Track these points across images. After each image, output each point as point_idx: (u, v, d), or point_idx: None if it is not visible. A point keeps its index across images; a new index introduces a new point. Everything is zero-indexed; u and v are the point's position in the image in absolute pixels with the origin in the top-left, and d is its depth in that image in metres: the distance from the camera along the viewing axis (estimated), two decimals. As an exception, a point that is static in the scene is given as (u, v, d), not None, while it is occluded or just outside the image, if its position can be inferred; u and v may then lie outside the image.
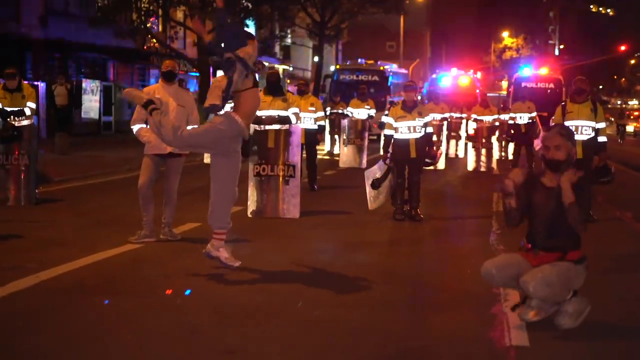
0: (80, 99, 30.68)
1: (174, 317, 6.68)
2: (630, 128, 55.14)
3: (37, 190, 13.25)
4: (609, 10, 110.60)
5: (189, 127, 9.09)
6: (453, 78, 41.06)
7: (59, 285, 7.61)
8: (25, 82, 14.49)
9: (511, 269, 6.48)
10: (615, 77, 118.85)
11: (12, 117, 13.09)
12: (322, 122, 16.23)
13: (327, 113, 27.50)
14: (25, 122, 13.05)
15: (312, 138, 15.57)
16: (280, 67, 51.24)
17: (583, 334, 6.35)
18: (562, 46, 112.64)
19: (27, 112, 13.15)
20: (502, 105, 26.23)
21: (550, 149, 6.48)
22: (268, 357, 5.76)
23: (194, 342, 6.03)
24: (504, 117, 23.48)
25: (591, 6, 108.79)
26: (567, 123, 12.43)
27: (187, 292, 7.32)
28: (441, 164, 21.10)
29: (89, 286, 7.61)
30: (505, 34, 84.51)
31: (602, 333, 6.48)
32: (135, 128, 10.28)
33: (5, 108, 13.14)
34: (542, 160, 6.60)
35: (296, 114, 13.63)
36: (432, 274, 8.71)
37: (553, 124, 6.55)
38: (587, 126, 12.42)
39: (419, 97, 37.24)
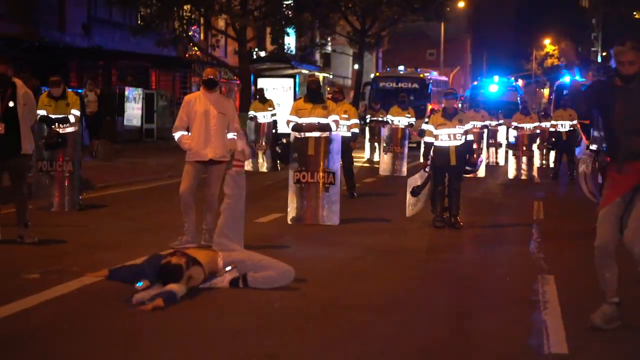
0: (122, 106, 31.05)
1: (215, 321, 6.78)
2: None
3: (80, 197, 13.46)
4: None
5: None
6: (495, 85, 40.93)
7: (103, 289, 7.72)
8: (70, 90, 14.66)
9: (614, 227, 6.48)
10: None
11: (56, 124, 13.29)
12: (356, 130, 16.20)
13: (367, 120, 27.57)
14: (69, 129, 13.23)
15: (346, 146, 15.55)
16: (321, 75, 51.31)
17: (623, 343, 6.34)
18: (604, 53, 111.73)
19: (72, 119, 13.34)
20: (543, 113, 26.13)
21: (624, 64, 6.37)
22: (308, 361, 5.83)
23: (235, 346, 6.12)
24: (545, 124, 23.36)
25: (634, 12, 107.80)
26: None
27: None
28: (482, 172, 21.04)
29: (133, 290, 7.70)
30: (546, 41, 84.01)
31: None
32: (176, 135, 10.42)
33: (50, 115, 13.35)
34: (615, 74, 6.49)
35: (336, 122, 13.67)
36: (471, 281, 8.70)
37: (624, 42, 6.31)
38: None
39: (460, 105, 37.25)
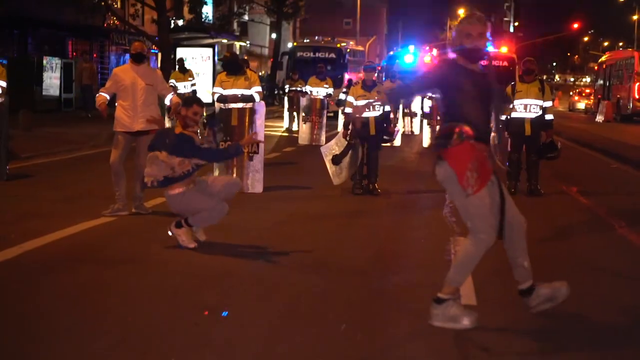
0: (41, 75, 30.84)
1: (155, 281, 7.26)
2: (581, 105, 56.37)
3: (7, 167, 13.65)
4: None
5: None
6: (410, 55, 41.70)
7: (43, 255, 8.12)
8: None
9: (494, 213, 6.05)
10: (568, 54, 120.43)
11: (-19, 95, 13.42)
12: None
13: (286, 90, 28.04)
14: (-5, 101, 13.43)
15: None
16: (238, 44, 51.54)
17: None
18: (516, 23, 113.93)
19: (-2, 90, 13.50)
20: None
21: (472, 36, 6.00)
22: (243, 314, 6.33)
23: (176, 301, 6.63)
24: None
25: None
26: (516, 102, 13.22)
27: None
28: (398, 141, 21.75)
29: (73, 255, 8.12)
30: (460, 11, 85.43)
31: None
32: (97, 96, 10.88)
33: (-25, 87, 13.46)
34: (459, 51, 6.06)
35: (259, 92, 14.16)
36: (389, 243, 9.32)
37: (472, 15, 6.05)
38: (535, 104, 13.20)
39: (377, 74, 37.85)
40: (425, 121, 23.37)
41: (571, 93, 64.86)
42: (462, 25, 6.09)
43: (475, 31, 6.01)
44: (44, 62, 31.41)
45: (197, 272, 7.61)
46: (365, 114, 12.86)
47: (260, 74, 54.28)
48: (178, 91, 22.69)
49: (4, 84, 13.64)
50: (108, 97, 10.83)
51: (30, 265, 7.73)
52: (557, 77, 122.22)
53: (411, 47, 44.91)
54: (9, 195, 12.02)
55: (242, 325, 6.07)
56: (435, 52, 54.13)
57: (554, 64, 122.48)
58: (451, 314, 6.11)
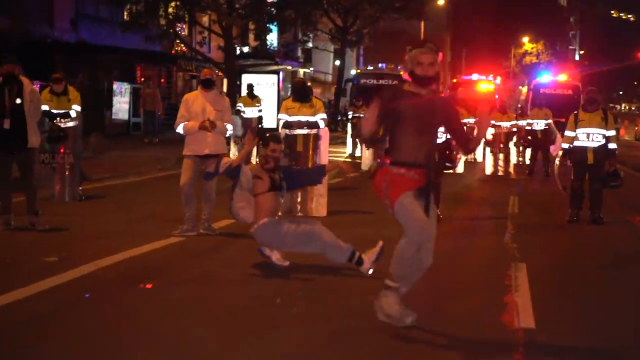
0: (111, 100, 31.64)
1: (223, 299, 7.52)
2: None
3: (80, 188, 14.13)
4: (630, 16, 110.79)
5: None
6: (473, 83, 41.67)
7: (115, 273, 8.46)
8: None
9: None
10: (635, 83, 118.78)
11: (58, 118, 13.96)
12: None
13: (349, 117, 28.33)
14: (70, 124, 13.93)
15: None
16: (302, 70, 52.10)
17: (585, 319, 7.16)
18: (582, 52, 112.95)
19: (73, 114, 14.02)
20: (519, 112, 26.98)
21: (423, 65, 6.40)
22: (306, 333, 6.56)
23: (244, 318, 6.88)
24: (522, 122, 24.19)
25: (612, 12, 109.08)
26: (579, 130, 13.29)
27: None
28: (460, 168, 21.82)
29: (143, 274, 8.42)
30: (525, 39, 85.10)
31: (601, 317, 7.26)
32: (180, 128, 11.06)
33: (52, 110, 14.03)
34: (410, 76, 6.47)
35: (324, 119, 14.42)
36: (451, 267, 9.39)
37: (424, 44, 6.52)
38: (598, 133, 13.25)
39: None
40: (487, 148, 23.39)
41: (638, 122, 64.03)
42: (414, 53, 6.48)
43: (427, 60, 6.42)
44: (114, 87, 32.22)
45: (259, 292, 7.85)
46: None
47: (323, 100, 54.81)
48: (245, 115, 23.14)
49: (78, 108, 14.17)
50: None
51: (102, 283, 8.05)
52: (623, 106, 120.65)
53: (474, 75, 44.85)
54: (82, 215, 12.44)
55: (294, 344, 6.27)
56: (499, 80, 54.01)
57: (620, 92, 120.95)
58: (387, 306, 6.67)
